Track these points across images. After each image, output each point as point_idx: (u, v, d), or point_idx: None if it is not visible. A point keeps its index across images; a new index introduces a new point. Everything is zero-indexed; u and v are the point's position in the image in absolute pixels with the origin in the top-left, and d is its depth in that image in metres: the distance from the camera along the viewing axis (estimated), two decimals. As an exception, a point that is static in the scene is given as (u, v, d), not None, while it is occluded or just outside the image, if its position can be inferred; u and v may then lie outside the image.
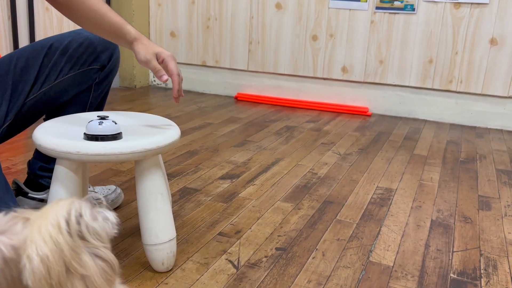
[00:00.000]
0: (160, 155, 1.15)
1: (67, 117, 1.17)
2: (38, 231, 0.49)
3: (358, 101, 2.95)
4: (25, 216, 0.52)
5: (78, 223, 0.50)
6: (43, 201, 1.35)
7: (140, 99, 3.01)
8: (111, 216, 0.56)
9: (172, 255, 1.08)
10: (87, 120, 1.06)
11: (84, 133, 1.00)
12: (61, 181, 1.00)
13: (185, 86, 3.38)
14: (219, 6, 3.13)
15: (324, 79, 2.99)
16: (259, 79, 3.14)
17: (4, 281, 0.49)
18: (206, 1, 3.15)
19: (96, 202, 0.56)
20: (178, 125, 2.41)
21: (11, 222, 0.51)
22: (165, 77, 1.07)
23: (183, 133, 2.30)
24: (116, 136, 1.00)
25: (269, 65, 3.09)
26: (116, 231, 0.57)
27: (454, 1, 2.61)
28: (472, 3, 2.59)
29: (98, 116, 1.02)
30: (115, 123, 1.01)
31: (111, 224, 0.55)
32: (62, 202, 0.53)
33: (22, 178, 1.64)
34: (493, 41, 2.60)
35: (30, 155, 1.86)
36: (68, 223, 0.50)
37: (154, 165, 1.04)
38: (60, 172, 1.00)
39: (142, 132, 1.05)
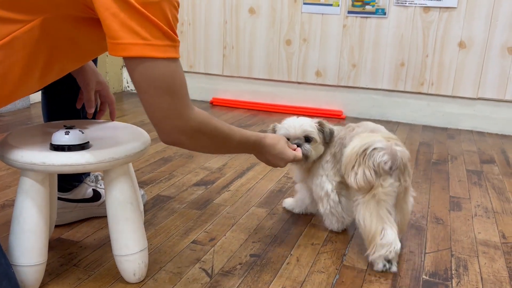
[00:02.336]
0: (130, 164, 1.13)
1: (33, 127, 1.14)
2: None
3: (332, 105, 2.97)
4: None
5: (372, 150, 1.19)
6: (69, 201, 1.36)
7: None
8: (385, 158, 1.18)
9: (143, 265, 1.06)
10: (54, 130, 1.03)
11: (50, 143, 0.97)
12: (27, 192, 0.97)
13: (159, 91, 3.34)
14: (193, 11, 3.11)
15: (299, 83, 3.01)
16: (234, 84, 3.14)
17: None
18: (180, 7, 3.13)
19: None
20: (151, 131, 2.37)
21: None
22: (92, 109, 1.22)
23: (157, 139, 2.28)
24: (83, 146, 0.98)
25: (244, 70, 3.09)
26: (389, 169, 1.17)
27: (424, 5, 2.66)
28: (440, 7, 2.64)
29: (64, 126, 1.00)
30: (82, 133, 0.99)
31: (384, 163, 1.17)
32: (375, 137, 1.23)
33: (12, 191, 1.59)
34: (461, 44, 2.66)
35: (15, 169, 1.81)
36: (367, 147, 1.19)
37: (123, 174, 1.02)
38: (25, 183, 0.97)
39: (110, 141, 1.03)
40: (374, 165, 1.17)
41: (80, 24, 0.90)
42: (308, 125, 1.34)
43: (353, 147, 1.21)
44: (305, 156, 1.32)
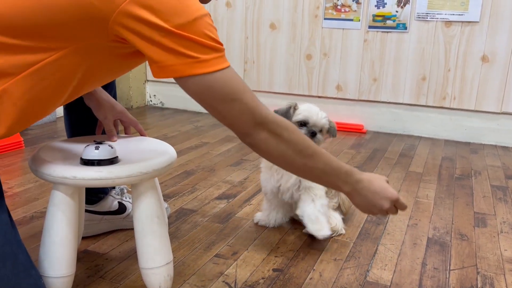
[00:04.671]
0: (156, 178, 1.16)
1: (64, 142, 1.18)
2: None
3: (353, 119, 2.97)
4: None
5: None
6: (96, 213, 1.40)
7: (137, 119, 3.01)
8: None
9: (169, 278, 1.07)
10: (84, 144, 1.06)
11: (81, 158, 1.01)
12: (57, 206, 1.00)
13: (181, 105, 3.40)
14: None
15: (319, 97, 3.02)
16: (255, 98, 3.16)
17: None
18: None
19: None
20: (174, 144, 2.42)
21: None
22: (115, 138, 1.20)
23: (180, 153, 2.31)
24: (112, 160, 1.00)
25: (264, 84, 3.12)
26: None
27: (445, 19, 2.66)
28: (463, 22, 2.63)
29: (94, 141, 1.03)
30: (111, 147, 1.01)
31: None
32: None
33: (18, 201, 1.64)
34: (484, 58, 2.64)
35: (26, 178, 1.86)
36: None
37: (151, 189, 1.04)
38: (56, 197, 1.00)
39: (138, 156, 1.06)
40: None
41: (114, 53, 0.90)
42: (327, 117, 1.39)
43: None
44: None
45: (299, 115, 1.37)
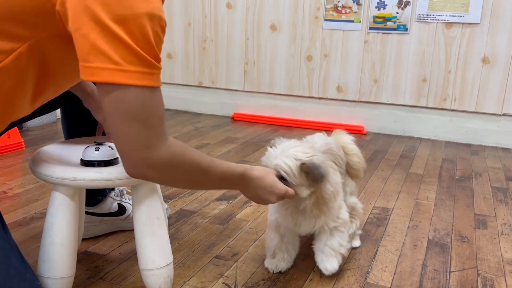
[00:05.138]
0: (156, 179, 1.16)
1: (64, 143, 1.18)
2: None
3: (353, 120, 2.97)
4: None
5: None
6: (95, 215, 1.39)
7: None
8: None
9: (169, 279, 1.07)
10: (84, 146, 1.06)
11: (81, 159, 1.01)
12: (58, 207, 1.00)
13: (181, 106, 3.40)
14: (215, 28, 3.17)
15: (320, 98, 3.02)
16: (255, 99, 3.17)
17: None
18: (202, 24, 3.20)
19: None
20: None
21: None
22: None
23: (180, 154, 2.30)
24: (112, 162, 1.00)
25: (264, 85, 3.12)
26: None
27: (446, 21, 2.66)
28: (463, 23, 2.63)
29: (94, 142, 1.03)
30: (112, 149, 1.01)
31: None
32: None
33: (18, 202, 1.64)
34: (485, 60, 2.64)
35: (26, 179, 1.86)
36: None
37: (151, 190, 1.04)
38: (56, 198, 1.00)
39: (139, 157, 1.06)
40: None
41: (66, 44, 0.83)
42: (286, 158, 1.07)
43: (352, 141, 1.35)
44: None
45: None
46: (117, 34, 0.74)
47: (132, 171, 0.85)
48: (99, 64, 0.75)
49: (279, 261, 1.25)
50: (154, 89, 0.80)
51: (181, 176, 0.89)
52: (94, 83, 0.80)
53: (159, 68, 0.80)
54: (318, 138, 1.29)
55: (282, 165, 1.07)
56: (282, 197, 1.06)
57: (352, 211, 1.34)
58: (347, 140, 1.35)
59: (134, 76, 0.76)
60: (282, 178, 1.08)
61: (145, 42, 0.76)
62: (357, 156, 1.33)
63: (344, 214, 1.21)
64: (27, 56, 0.84)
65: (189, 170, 0.89)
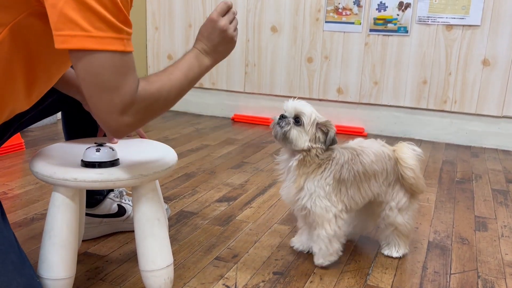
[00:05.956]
0: (157, 180, 1.16)
1: (64, 144, 1.18)
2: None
3: (354, 122, 2.97)
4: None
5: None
6: (95, 216, 1.40)
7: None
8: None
9: (169, 281, 1.07)
10: (84, 147, 1.06)
11: (82, 160, 1.01)
12: (58, 207, 1.00)
13: (182, 108, 3.40)
14: (216, 29, 3.16)
15: (320, 100, 3.02)
16: (256, 101, 3.17)
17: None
18: (203, 25, 3.20)
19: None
20: (175, 147, 2.41)
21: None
22: (116, 140, 1.19)
23: (180, 155, 2.31)
24: (113, 163, 1.00)
25: (265, 87, 3.12)
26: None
27: (446, 23, 2.66)
28: (464, 25, 2.63)
29: (95, 143, 1.03)
30: (112, 150, 1.01)
31: None
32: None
33: (18, 203, 1.64)
34: (485, 62, 2.64)
35: (26, 180, 1.86)
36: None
37: (151, 191, 1.04)
38: (57, 198, 1.00)
39: (139, 158, 1.06)
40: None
41: (45, 22, 0.83)
42: (305, 108, 1.21)
43: (413, 158, 1.32)
44: (283, 134, 1.20)
45: None
46: (84, 1, 0.76)
47: (116, 134, 0.88)
48: (69, 32, 0.77)
49: (298, 242, 1.39)
50: (125, 54, 0.82)
51: (159, 107, 0.92)
52: (69, 53, 0.81)
53: (129, 33, 0.82)
54: (370, 143, 1.34)
55: (306, 107, 1.22)
56: (229, 19, 1.02)
57: (394, 229, 1.34)
58: (406, 151, 1.32)
59: (103, 41, 0.78)
60: (296, 121, 1.20)
61: (113, 6, 0.79)
62: (411, 171, 1.30)
63: (327, 228, 1.25)
64: (9, 41, 0.85)
65: (163, 97, 0.91)
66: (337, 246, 1.27)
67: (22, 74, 0.90)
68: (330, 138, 1.22)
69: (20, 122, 1.13)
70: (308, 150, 1.22)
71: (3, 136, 1.10)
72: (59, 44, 0.79)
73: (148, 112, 0.90)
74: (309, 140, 1.21)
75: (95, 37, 0.78)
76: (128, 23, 0.82)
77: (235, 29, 1.04)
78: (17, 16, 0.83)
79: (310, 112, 1.22)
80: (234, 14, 1.04)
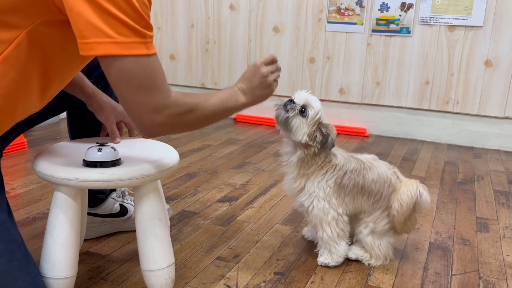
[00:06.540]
0: (158, 180, 1.16)
1: (67, 144, 1.18)
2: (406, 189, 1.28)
3: (355, 122, 2.97)
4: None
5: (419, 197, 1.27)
6: (97, 215, 1.40)
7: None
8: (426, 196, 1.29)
9: (170, 280, 1.07)
10: (86, 146, 1.07)
11: (83, 160, 1.01)
12: (60, 207, 1.00)
13: (184, 108, 3.40)
14: (218, 30, 3.17)
15: (322, 100, 3.00)
16: (258, 101, 3.17)
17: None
18: (205, 25, 3.20)
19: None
20: (177, 147, 2.42)
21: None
22: (118, 139, 1.21)
23: (182, 155, 2.31)
24: (115, 162, 1.01)
25: (267, 87, 3.12)
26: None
27: (449, 24, 2.66)
28: (466, 26, 2.63)
29: (97, 143, 1.04)
30: (114, 149, 1.02)
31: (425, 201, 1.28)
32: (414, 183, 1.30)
33: (20, 202, 1.64)
34: (488, 63, 2.64)
35: (29, 179, 1.87)
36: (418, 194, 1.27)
37: (153, 191, 1.04)
38: (59, 198, 1.01)
39: (141, 158, 1.06)
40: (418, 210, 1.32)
41: (62, 29, 0.88)
42: (315, 102, 1.23)
43: (410, 197, 1.27)
44: (286, 119, 1.21)
45: None
46: (107, 9, 0.80)
47: (148, 133, 0.92)
48: (95, 39, 0.81)
49: (309, 232, 1.46)
50: (150, 56, 0.86)
51: (191, 120, 0.96)
52: (98, 59, 0.85)
53: (151, 36, 0.86)
54: (381, 163, 1.35)
55: (315, 102, 1.23)
56: (272, 69, 1.13)
57: (363, 247, 1.33)
58: (410, 188, 1.28)
59: (128, 46, 0.82)
60: (302, 111, 1.22)
61: (133, 12, 0.82)
62: (399, 205, 1.26)
63: (327, 230, 1.27)
64: (27, 45, 0.87)
65: (196, 112, 0.96)
66: (342, 247, 1.28)
67: (37, 76, 0.93)
68: (331, 141, 1.22)
69: (27, 122, 1.13)
70: (305, 146, 1.23)
71: (10, 136, 1.10)
72: (85, 51, 0.82)
73: (180, 119, 0.93)
74: (307, 135, 1.21)
75: (119, 43, 0.82)
76: (149, 27, 0.86)
77: (275, 80, 1.15)
78: (35, 21, 0.86)
79: (318, 108, 1.23)
80: (278, 68, 1.16)
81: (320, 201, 1.25)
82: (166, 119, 0.90)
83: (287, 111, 1.22)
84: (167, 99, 0.90)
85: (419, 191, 1.28)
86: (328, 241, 1.27)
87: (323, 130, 1.23)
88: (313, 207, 1.26)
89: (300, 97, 1.24)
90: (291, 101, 1.24)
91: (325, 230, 1.26)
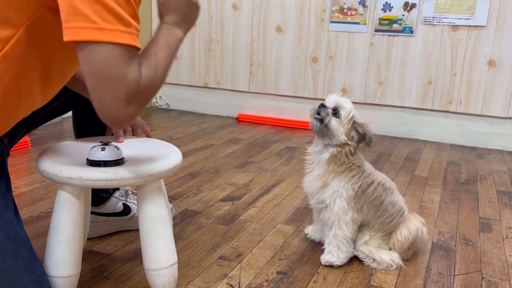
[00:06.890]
0: (162, 179, 1.16)
1: (70, 143, 1.19)
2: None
3: (358, 122, 2.97)
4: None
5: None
6: (100, 214, 1.41)
7: (143, 120, 3.03)
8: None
9: (173, 280, 1.08)
10: (90, 145, 1.07)
11: (87, 159, 1.01)
12: (63, 206, 1.01)
13: (186, 107, 3.41)
14: (221, 30, 3.17)
15: (324, 100, 3.01)
16: (260, 100, 3.17)
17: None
18: (208, 25, 3.20)
19: None
20: (179, 146, 2.42)
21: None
22: (122, 139, 1.20)
23: (185, 154, 2.32)
24: (118, 162, 1.01)
25: (269, 87, 3.13)
26: None
27: (452, 23, 2.65)
28: (469, 26, 2.62)
29: (100, 142, 1.04)
30: (118, 149, 1.02)
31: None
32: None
33: (24, 201, 1.65)
34: (491, 63, 2.63)
35: (32, 178, 1.87)
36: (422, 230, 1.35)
37: (156, 190, 1.05)
38: (62, 197, 1.01)
39: (144, 157, 1.06)
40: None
41: (59, 20, 0.84)
42: (346, 103, 1.27)
43: (413, 235, 1.32)
44: (321, 120, 1.25)
45: None
46: None
47: (118, 124, 0.87)
48: (77, 24, 0.78)
49: (312, 231, 1.46)
50: (132, 48, 0.81)
51: (155, 89, 0.90)
52: (75, 45, 0.82)
53: (137, 29, 0.82)
54: (398, 194, 1.37)
55: (347, 103, 1.27)
56: None
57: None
58: (409, 224, 1.33)
59: (111, 33, 0.78)
60: (334, 113, 1.25)
61: (124, 1, 0.79)
62: (400, 238, 1.31)
63: (344, 229, 1.29)
64: (26, 41, 0.86)
65: (157, 79, 0.89)
66: (351, 249, 1.31)
67: (38, 72, 0.92)
68: (369, 138, 1.27)
69: (33, 120, 1.14)
70: (343, 145, 1.26)
71: (17, 135, 1.11)
72: (68, 36, 0.79)
73: (149, 96, 0.89)
74: (345, 134, 1.26)
75: (102, 29, 0.78)
76: (136, 18, 0.82)
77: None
78: (32, 15, 0.85)
79: (350, 108, 1.27)
80: None
81: (342, 200, 1.28)
82: (138, 105, 0.86)
83: (321, 119, 1.25)
84: (138, 85, 0.84)
85: (421, 228, 1.35)
86: (342, 240, 1.29)
87: (359, 129, 1.27)
88: (334, 205, 1.28)
89: (331, 100, 1.28)
90: (323, 105, 1.27)
91: (341, 228, 1.28)
